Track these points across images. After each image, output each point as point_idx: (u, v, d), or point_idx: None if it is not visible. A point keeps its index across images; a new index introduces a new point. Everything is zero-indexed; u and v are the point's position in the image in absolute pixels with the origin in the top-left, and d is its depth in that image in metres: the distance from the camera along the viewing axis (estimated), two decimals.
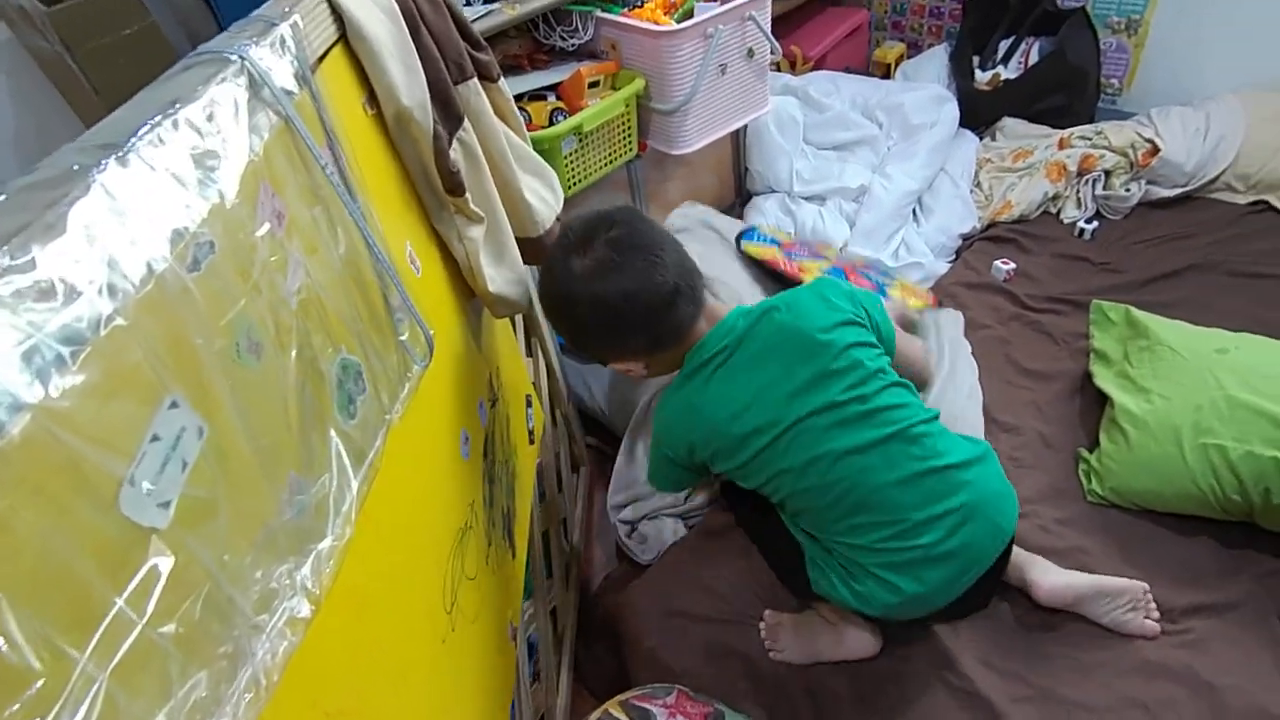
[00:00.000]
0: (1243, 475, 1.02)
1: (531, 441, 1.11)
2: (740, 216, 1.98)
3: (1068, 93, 1.97)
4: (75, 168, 0.35)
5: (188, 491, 0.36)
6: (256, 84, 0.48)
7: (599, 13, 1.44)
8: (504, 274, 0.84)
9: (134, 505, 0.33)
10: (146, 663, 0.32)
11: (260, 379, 0.43)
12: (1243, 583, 1.02)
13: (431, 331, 0.65)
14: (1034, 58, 2.05)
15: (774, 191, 1.94)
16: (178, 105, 0.42)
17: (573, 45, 1.47)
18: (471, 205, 0.77)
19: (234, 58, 0.47)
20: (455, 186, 0.73)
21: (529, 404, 1.13)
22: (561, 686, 1.09)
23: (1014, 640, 1.00)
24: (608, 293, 0.81)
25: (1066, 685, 0.94)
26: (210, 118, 0.43)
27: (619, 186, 1.72)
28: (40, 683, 0.27)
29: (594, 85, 1.42)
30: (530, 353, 1.24)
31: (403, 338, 0.63)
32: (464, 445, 0.78)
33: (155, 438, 0.35)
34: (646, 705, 0.83)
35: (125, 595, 0.31)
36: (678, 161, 1.82)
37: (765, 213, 1.89)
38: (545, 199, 0.93)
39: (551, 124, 1.35)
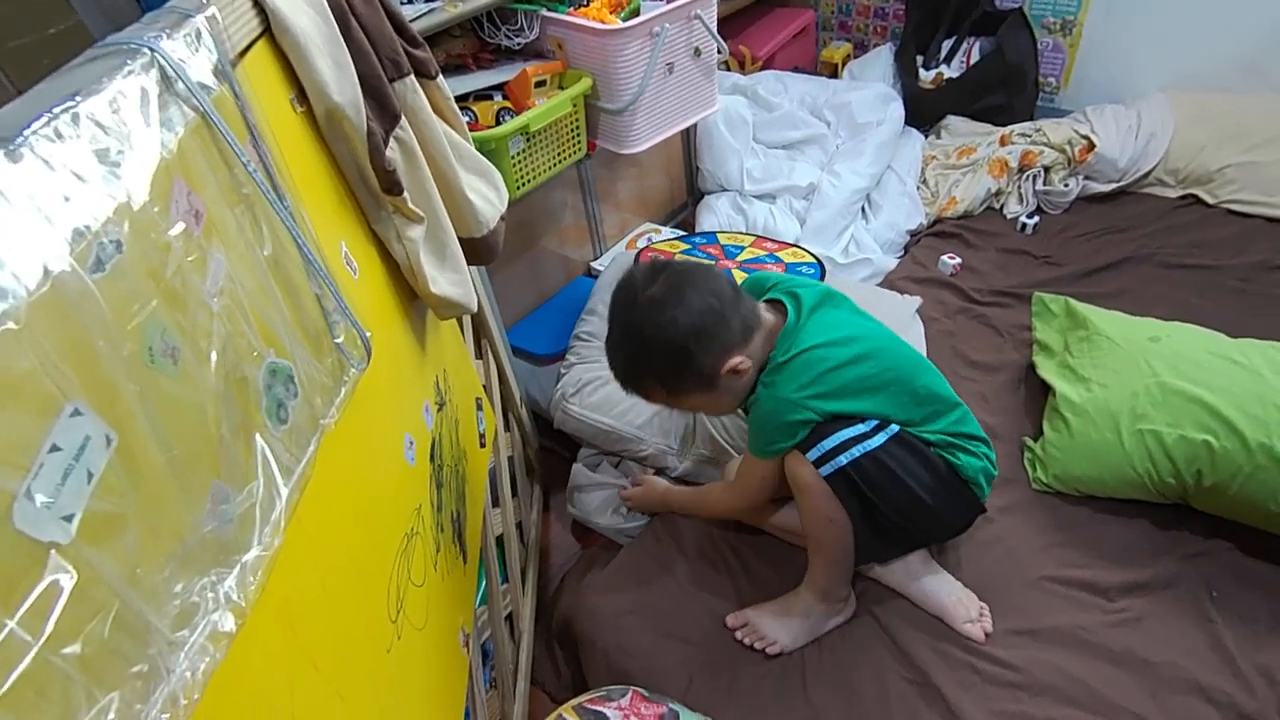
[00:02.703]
0: (1176, 459, 1.06)
1: (483, 445, 1.10)
2: (692, 216, 1.99)
3: (1007, 91, 2.03)
4: None
5: (94, 504, 0.34)
6: (169, 78, 0.46)
7: (544, 11, 1.43)
8: (447, 275, 0.83)
9: (30, 520, 0.31)
10: (44, 687, 0.30)
11: (177, 384, 0.41)
12: (1175, 562, 1.06)
13: (369, 334, 0.63)
14: (975, 57, 2.11)
15: (725, 190, 1.96)
16: (78, 98, 0.40)
17: (518, 44, 1.46)
18: (410, 205, 0.75)
19: (143, 49, 0.45)
20: (392, 185, 0.72)
21: (479, 407, 1.11)
22: (518, 693, 1.07)
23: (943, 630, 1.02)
24: (696, 291, 0.88)
25: (1010, 668, 0.96)
26: (115, 111, 0.41)
27: (570, 186, 1.71)
28: None
29: (540, 84, 1.41)
30: (480, 355, 1.22)
31: (338, 340, 0.61)
32: (409, 449, 0.76)
33: (55, 448, 0.33)
34: (600, 708, 0.82)
35: (17, 616, 0.29)
36: (628, 161, 1.82)
37: (717, 211, 1.90)
38: (488, 198, 0.92)
39: (498, 123, 1.33)
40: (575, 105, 1.42)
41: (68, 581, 0.32)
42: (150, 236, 0.41)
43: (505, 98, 1.39)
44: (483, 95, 1.37)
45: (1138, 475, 1.10)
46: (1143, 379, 1.14)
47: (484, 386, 1.18)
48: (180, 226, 0.44)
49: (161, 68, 0.45)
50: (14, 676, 0.29)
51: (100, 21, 1.31)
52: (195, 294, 0.44)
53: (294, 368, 0.54)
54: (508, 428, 1.29)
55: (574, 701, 0.84)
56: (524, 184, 1.39)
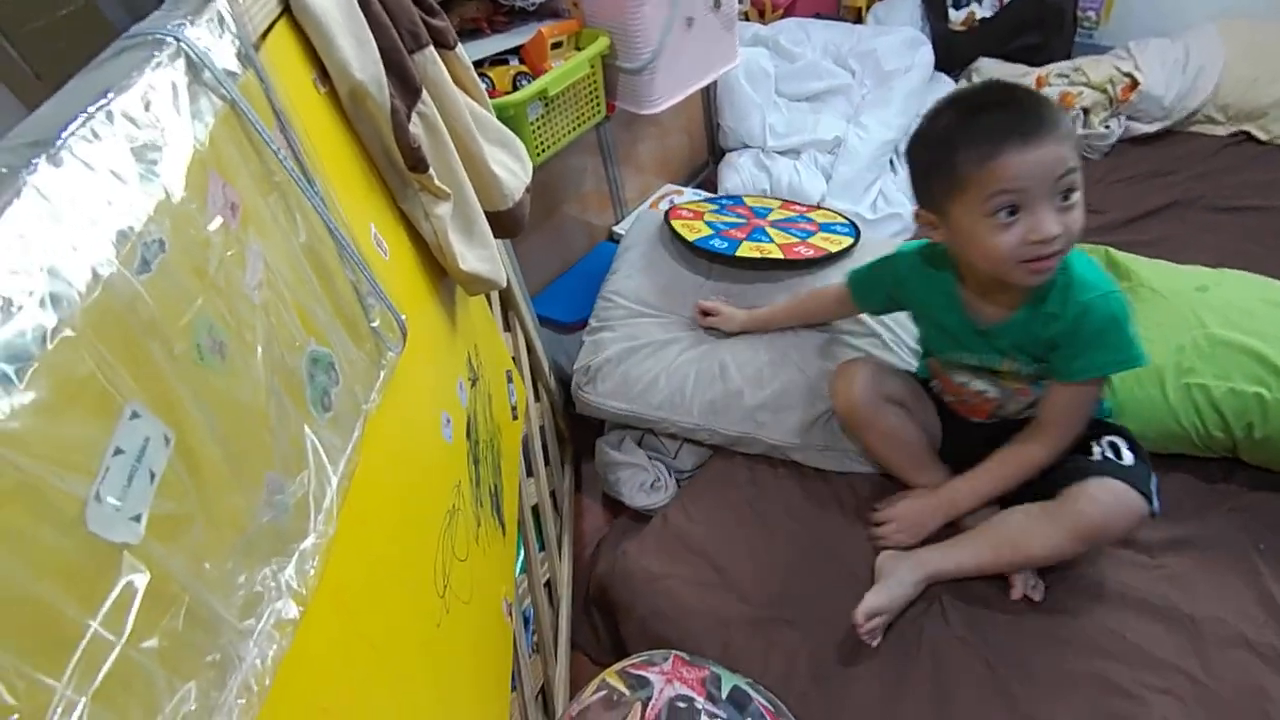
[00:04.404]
0: (1225, 412, 1.04)
1: (515, 417, 1.11)
2: (714, 175, 1.95)
3: (1044, 29, 1.94)
4: (3, 170, 0.33)
5: (159, 502, 0.35)
6: (196, 67, 0.45)
7: None
8: (475, 251, 0.82)
9: (102, 522, 0.32)
10: (129, 681, 0.32)
11: (227, 379, 0.42)
12: (1221, 516, 1.04)
13: (404, 316, 0.63)
14: None
15: (747, 147, 1.91)
16: (110, 95, 0.39)
17: (532, 4, 1.41)
18: (436, 181, 0.74)
19: (169, 39, 0.45)
20: (418, 163, 0.71)
21: (509, 379, 1.12)
22: (560, 656, 1.10)
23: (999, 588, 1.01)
24: None
25: (1051, 621, 0.96)
26: (147, 106, 0.41)
27: (589, 150, 1.69)
28: (15, 717, 0.26)
29: (557, 46, 1.37)
30: (508, 327, 1.22)
31: (374, 324, 0.61)
32: (446, 427, 0.77)
33: (118, 450, 0.34)
34: (643, 673, 0.84)
35: (100, 616, 0.30)
36: (648, 121, 1.78)
37: (740, 169, 1.86)
38: (513, 170, 0.91)
39: (515, 89, 1.31)
40: (593, 66, 1.39)
41: (141, 580, 0.33)
42: (190, 233, 0.41)
43: (521, 61, 1.36)
44: (498, 60, 1.34)
45: (1183, 430, 1.08)
46: (1189, 331, 1.10)
47: (513, 358, 1.19)
48: (218, 220, 0.44)
49: (189, 57, 0.45)
50: (102, 674, 0.30)
51: (112, 2, 1.30)
52: (237, 287, 0.44)
53: (334, 354, 0.55)
54: (538, 398, 1.30)
55: (617, 666, 0.86)
56: (544, 150, 1.37)
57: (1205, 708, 0.87)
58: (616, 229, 1.79)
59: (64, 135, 0.36)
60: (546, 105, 1.33)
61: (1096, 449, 0.97)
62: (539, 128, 1.34)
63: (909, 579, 0.98)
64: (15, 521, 0.28)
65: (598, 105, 1.46)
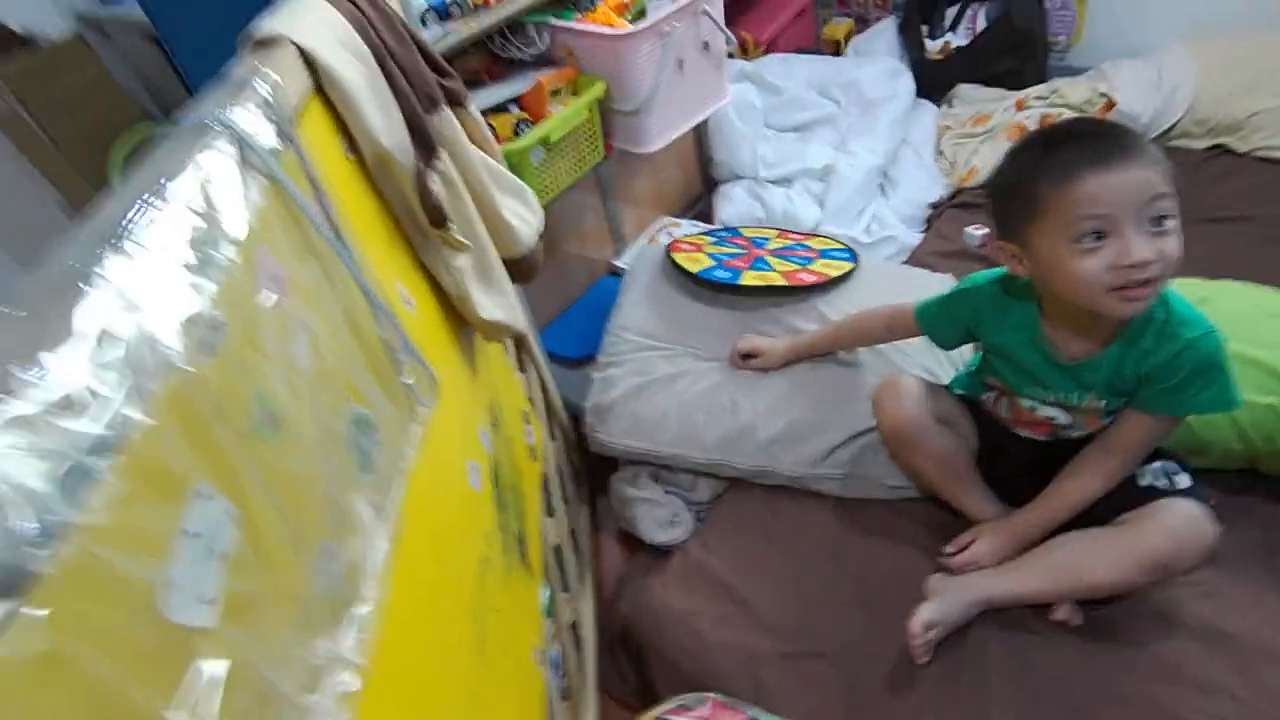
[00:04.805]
0: (1243, 424, 1.05)
1: (533, 458, 1.11)
2: (709, 206, 1.99)
3: (1018, 55, 2.00)
4: (74, 265, 0.34)
5: (230, 582, 0.36)
6: (243, 148, 0.47)
7: (553, 21, 1.43)
8: (495, 299, 0.84)
9: (178, 607, 0.33)
10: None
11: (282, 451, 0.43)
12: (1247, 529, 1.04)
13: (435, 371, 0.64)
14: (981, 23, 2.08)
15: (740, 178, 1.95)
16: (165, 181, 0.41)
17: (529, 55, 1.46)
18: (456, 235, 0.76)
19: (216, 125, 0.46)
20: (439, 219, 0.73)
21: (526, 420, 1.13)
22: (589, 701, 1.09)
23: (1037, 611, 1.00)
24: None
25: (1092, 644, 0.96)
26: (202, 190, 0.42)
27: (588, 188, 1.72)
28: None
29: (555, 93, 1.41)
30: (522, 368, 1.23)
31: (407, 381, 0.62)
32: (473, 476, 0.77)
33: (189, 533, 0.35)
34: (681, 718, 0.84)
35: (175, 703, 0.31)
36: (643, 159, 1.81)
37: (734, 200, 1.90)
38: (525, 218, 0.93)
39: (517, 135, 1.34)
40: (591, 110, 1.42)
41: (213, 664, 0.34)
42: (246, 311, 0.42)
43: (521, 109, 1.40)
44: (499, 108, 1.37)
45: (1205, 443, 1.08)
46: None
47: (528, 399, 1.20)
48: (268, 294, 0.45)
49: (236, 140, 0.46)
50: None
51: (123, 69, 1.34)
52: (287, 359, 0.45)
53: (373, 415, 0.55)
54: (553, 437, 1.31)
55: (654, 712, 0.85)
56: (547, 193, 1.39)
57: None
58: (616, 263, 1.81)
59: (127, 225, 0.37)
60: (549, 150, 1.36)
61: (1147, 475, 0.95)
62: (542, 172, 1.36)
63: (963, 599, 0.96)
64: (104, 616, 0.29)
65: (596, 147, 1.49)
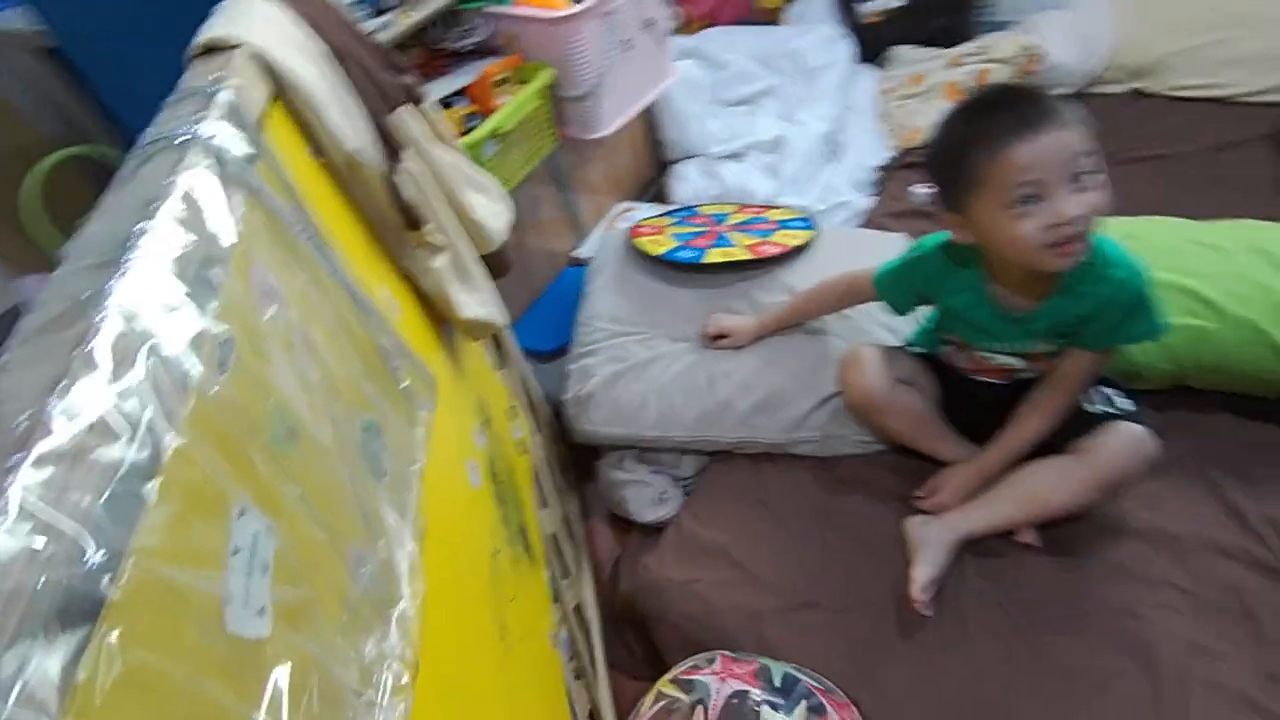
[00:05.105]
0: (1173, 346, 1.12)
1: (523, 452, 1.12)
2: (663, 187, 1.99)
3: (948, 13, 2.05)
4: (84, 296, 0.34)
5: (281, 591, 0.36)
6: (220, 161, 0.46)
7: (491, 7, 1.41)
8: (475, 296, 0.84)
9: (237, 621, 0.33)
10: None
11: (303, 462, 0.43)
12: (1179, 440, 1.10)
13: (433, 373, 0.64)
14: None
15: (692, 156, 1.96)
16: (155, 205, 0.40)
17: (469, 45, 1.43)
18: (431, 235, 0.75)
19: (189, 139, 0.45)
20: (414, 220, 0.72)
21: (512, 416, 1.13)
22: (600, 678, 1.11)
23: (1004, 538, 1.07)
24: None
25: (1056, 561, 1.03)
26: (189, 208, 0.42)
27: (542, 181, 1.71)
28: None
29: (500, 83, 1.39)
30: (502, 364, 1.23)
31: (404, 385, 0.63)
32: (473, 475, 0.78)
33: (235, 550, 0.35)
34: (695, 677, 0.86)
35: (260, 711, 0.31)
36: (594, 144, 1.80)
37: (688, 178, 1.91)
38: (495, 211, 0.92)
39: (466, 130, 1.32)
40: (541, 98, 1.42)
41: (280, 670, 0.34)
42: (250, 326, 0.42)
43: (469, 101, 1.38)
44: (444, 103, 1.35)
45: (1136, 367, 1.16)
46: None
47: (511, 395, 1.20)
48: (267, 307, 0.45)
49: (211, 153, 0.46)
50: None
51: (16, 88, 1.27)
52: (296, 371, 0.45)
53: (378, 420, 0.56)
54: (537, 430, 1.31)
55: (668, 676, 0.88)
56: (503, 185, 1.38)
57: (1196, 613, 0.96)
58: (578, 253, 1.81)
59: (127, 253, 0.37)
60: (502, 142, 1.35)
61: (1089, 400, 1.03)
62: (496, 165, 1.35)
63: (945, 543, 1.02)
64: (174, 631, 0.29)
65: (549, 135, 1.48)
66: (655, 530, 1.31)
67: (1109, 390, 1.05)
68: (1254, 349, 1.10)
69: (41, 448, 0.27)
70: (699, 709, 0.81)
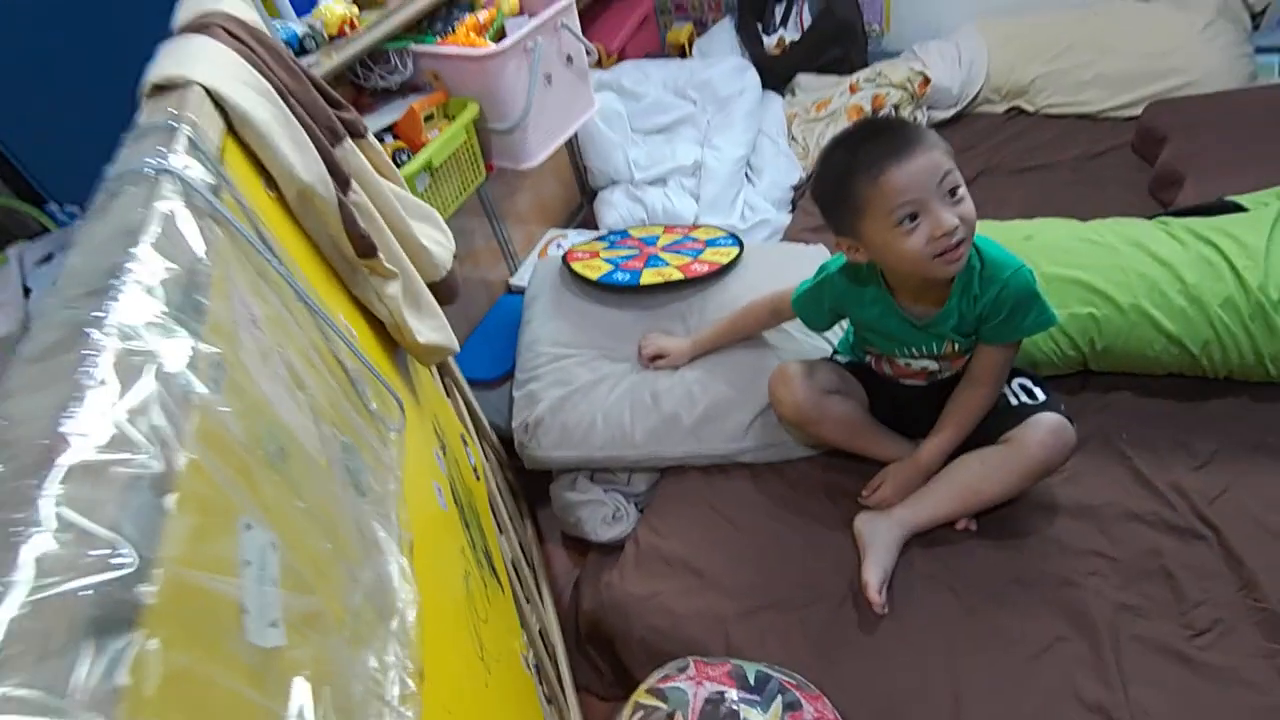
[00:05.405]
0: (1072, 333, 1.24)
1: (477, 478, 1.12)
2: (590, 214, 2.04)
3: (842, 44, 2.21)
4: (81, 322, 0.34)
5: (287, 603, 0.36)
6: (189, 191, 0.47)
7: (414, 46, 1.43)
8: (428, 322, 0.84)
9: (255, 631, 0.33)
10: None
11: (296, 480, 0.43)
12: (1088, 418, 1.23)
13: (400, 395, 0.65)
14: (807, 17, 2.28)
15: (616, 183, 2.02)
16: (136, 234, 0.40)
17: (395, 83, 1.45)
18: (385, 264, 0.76)
19: (160, 171, 0.46)
20: (367, 249, 0.73)
21: (464, 443, 1.13)
22: (571, 701, 1.11)
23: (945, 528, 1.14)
24: None
25: (995, 542, 1.11)
26: (168, 236, 0.42)
27: (473, 212, 1.72)
28: None
29: (429, 118, 1.41)
30: (448, 393, 1.23)
31: (372, 407, 0.63)
32: (440, 497, 0.78)
33: (246, 562, 0.35)
34: (671, 684, 0.88)
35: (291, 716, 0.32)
36: (523, 176, 1.85)
37: (615, 204, 1.96)
38: (440, 241, 0.94)
39: (398, 165, 1.33)
40: (469, 131, 1.44)
41: (300, 679, 0.35)
42: (235, 347, 0.43)
43: (396, 138, 1.39)
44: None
45: (1045, 355, 1.27)
46: None
47: (460, 422, 1.20)
48: (248, 330, 0.45)
49: (184, 184, 0.46)
50: None
51: None
52: (279, 393, 0.46)
53: (355, 441, 0.56)
54: (486, 457, 1.31)
55: (644, 686, 0.89)
56: None
57: (1121, 575, 1.05)
58: (513, 280, 1.83)
59: (117, 280, 0.37)
60: (433, 175, 1.36)
61: (1011, 394, 1.13)
62: (429, 198, 1.36)
63: (893, 539, 1.08)
64: (205, 637, 0.30)
65: (478, 168, 1.50)
66: (612, 549, 1.32)
67: (1026, 381, 1.15)
68: (1142, 331, 1.23)
69: (66, 460, 0.28)
70: (677, 715, 0.83)
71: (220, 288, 0.44)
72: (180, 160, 0.47)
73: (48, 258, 1.31)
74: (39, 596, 0.23)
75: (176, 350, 0.37)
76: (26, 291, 1.25)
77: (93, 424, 0.30)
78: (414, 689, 0.43)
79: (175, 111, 0.52)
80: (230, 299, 0.45)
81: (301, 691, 0.34)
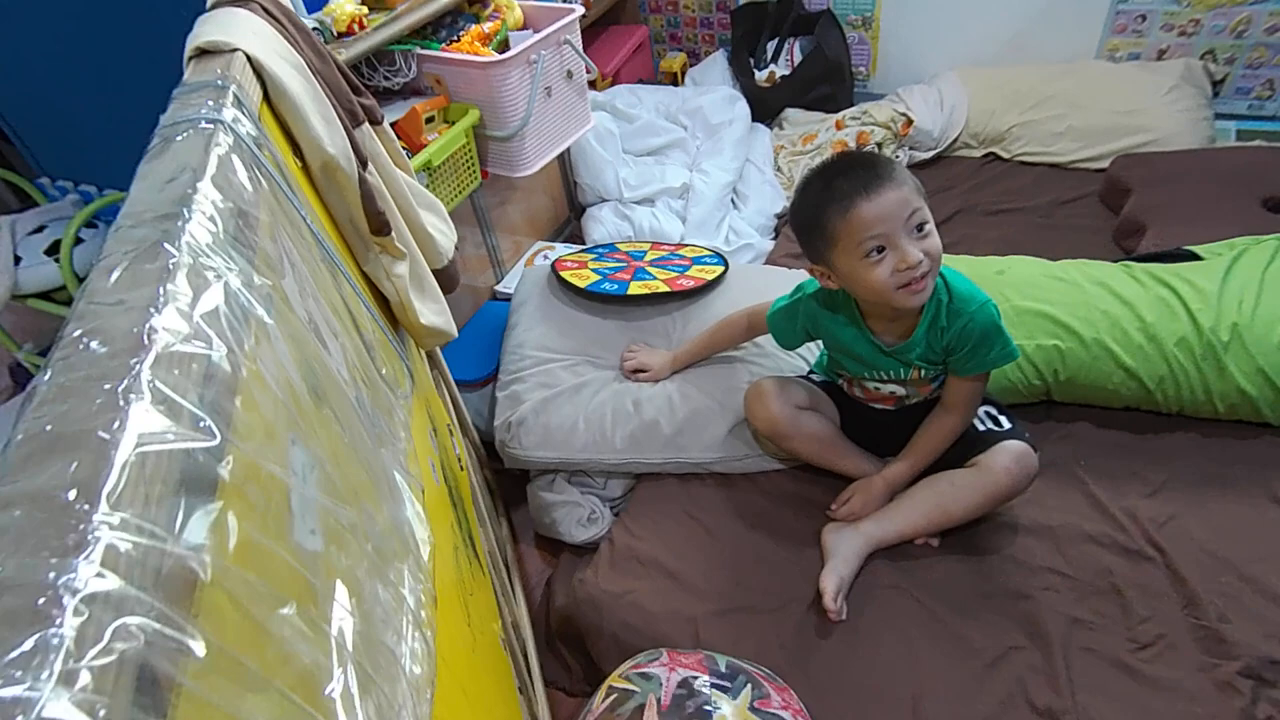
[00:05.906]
0: (1038, 363, 1.31)
1: (462, 468, 1.13)
2: (578, 229, 2.09)
3: (830, 83, 2.31)
4: (159, 239, 0.37)
5: (323, 517, 0.39)
6: (239, 143, 0.49)
7: (419, 50, 1.47)
8: (430, 305, 0.87)
9: (300, 533, 0.36)
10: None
11: (330, 418, 0.46)
12: (1050, 446, 1.29)
13: (409, 363, 0.67)
14: (797, 55, 2.38)
15: (605, 200, 2.07)
16: (198, 171, 0.43)
17: (397, 84, 1.48)
18: (396, 243, 0.79)
19: (211, 122, 0.49)
20: (382, 226, 0.76)
21: (451, 433, 1.14)
22: (539, 694, 1.12)
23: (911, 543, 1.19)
24: None
25: (958, 557, 1.15)
26: (224, 177, 0.45)
27: (465, 216, 1.75)
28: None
29: (429, 121, 1.45)
30: (437, 386, 1.24)
31: (382, 371, 0.65)
32: (434, 471, 0.80)
33: (292, 473, 0.38)
34: (645, 670, 0.90)
35: (334, 605, 0.34)
36: (513, 185, 1.89)
37: (603, 221, 2.01)
38: (443, 230, 0.97)
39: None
40: (468, 136, 1.48)
41: (332, 582, 0.37)
42: (279, 287, 0.45)
43: (397, 137, 1.42)
44: None
45: (1012, 383, 1.34)
46: (1000, 305, 1.38)
47: (447, 414, 1.21)
48: (288, 272, 0.48)
49: (235, 135, 0.49)
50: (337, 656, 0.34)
51: None
52: (317, 333, 0.48)
53: (369, 396, 0.58)
54: (470, 452, 1.32)
55: (617, 672, 0.91)
56: None
57: (1075, 591, 1.10)
58: (499, 288, 1.86)
59: (185, 208, 0.40)
60: (431, 176, 1.39)
61: (978, 420, 1.18)
62: None
63: (855, 551, 1.12)
64: (267, 520, 0.32)
65: (474, 173, 1.54)
66: (585, 551, 1.34)
67: (993, 409, 1.22)
68: (1102, 364, 1.30)
69: (155, 347, 0.30)
70: (650, 698, 0.84)
71: (267, 230, 0.47)
72: (230, 114, 0.50)
73: (39, 229, 1.30)
74: (145, 448, 0.26)
75: (237, 272, 0.40)
76: (17, 260, 1.25)
77: (174, 322, 0.32)
78: (428, 615, 0.45)
79: (223, 72, 0.55)
80: (276, 241, 0.47)
81: (342, 590, 0.36)
